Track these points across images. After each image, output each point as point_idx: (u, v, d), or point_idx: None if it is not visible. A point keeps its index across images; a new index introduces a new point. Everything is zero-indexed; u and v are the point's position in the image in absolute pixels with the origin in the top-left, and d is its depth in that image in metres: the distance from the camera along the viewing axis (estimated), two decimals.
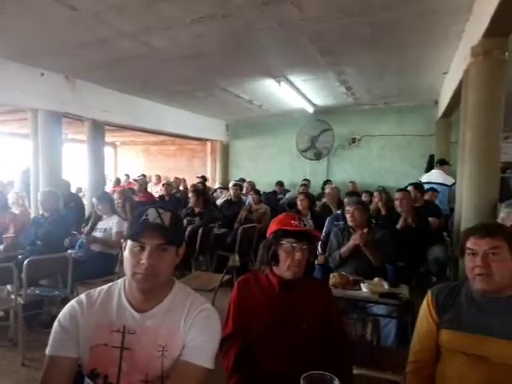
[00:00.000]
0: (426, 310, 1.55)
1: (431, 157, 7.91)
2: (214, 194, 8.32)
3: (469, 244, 1.44)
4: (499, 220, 2.85)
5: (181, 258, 1.34)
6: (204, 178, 9.61)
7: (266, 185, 8.20)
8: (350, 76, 6.24)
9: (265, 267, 1.74)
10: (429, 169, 7.90)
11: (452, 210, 5.89)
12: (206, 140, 10.88)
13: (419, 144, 8.29)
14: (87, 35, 4.25)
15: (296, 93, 7.05)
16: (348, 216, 3.06)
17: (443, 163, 6.10)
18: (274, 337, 1.62)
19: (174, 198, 7.55)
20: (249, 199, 6.55)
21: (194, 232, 4.78)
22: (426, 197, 5.02)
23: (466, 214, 3.29)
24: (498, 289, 1.39)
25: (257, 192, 5.91)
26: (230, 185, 7.26)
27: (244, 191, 7.10)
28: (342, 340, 1.72)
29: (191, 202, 5.28)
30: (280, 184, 8.59)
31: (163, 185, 8.07)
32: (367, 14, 3.90)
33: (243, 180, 8.58)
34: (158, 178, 10.86)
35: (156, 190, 9.32)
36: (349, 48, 4.92)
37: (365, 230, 2.96)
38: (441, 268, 3.69)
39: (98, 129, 6.60)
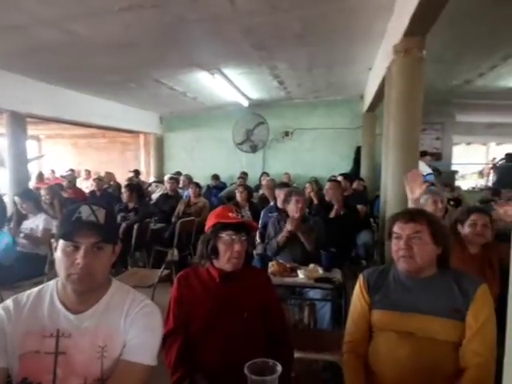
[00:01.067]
0: (358, 292, 1.66)
1: (358, 148, 8.40)
2: (149, 188, 8.09)
3: (395, 228, 1.57)
4: (419, 206, 3.12)
5: (117, 255, 1.31)
6: (137, 172, 9.29)
7: (203, 178, 8.14)
8: (282, 71, 6.38)
9: (205, 261, 1.74)
10: (356, 160, 8.39)
11: (376, 196, 6.34)
12: (139, 132, 10.51)
13: (347, 136, 8.74)
14: (1, 20, 3.89)
15: (231, 86, 7.06)
16: (296, 206, 3.14)
17: (424, 154, 6.49)
18: (216, 329, 1.64)
19: (105, 193, 7.22)
20: (186, 192, 6.47)
21: (129, 228, 4.63)
22: (354, 185, 5.32)
23: (390, 200, 3.55)
24: (419, 269, 1.53)
25: (197, 185, 5.85)
26: (166, 178, 7.10)
27: (181, 185, 6.99)
28: (282, 326, 1.78)
29: (125, 198, 5.09)
30: (215, 177, 8.58)
31: (94, 180, 7.67)
32: (297, 9, 4.00)
33: (179, 173, 8.43)
34: (88, 172, 10.28)
35: (86, 186, 8.83)
36: (280, 43, 5.02)
37: (295, 217, 3.08)
38: (369, 252, 3.96)
39: (19, 121, 6.07)
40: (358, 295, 1.66)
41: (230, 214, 1.71)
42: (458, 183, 7.97)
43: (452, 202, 3.27)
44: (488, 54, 5.42)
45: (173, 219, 5.44)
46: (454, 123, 9.07)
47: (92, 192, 7.14)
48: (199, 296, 1.69)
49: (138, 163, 10.99)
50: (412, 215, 1.55)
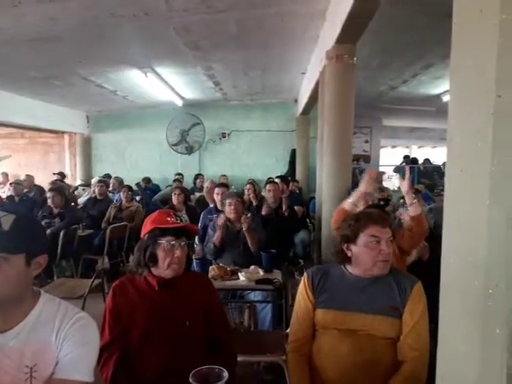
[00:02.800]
0: (302, 291, 1.67)
1: (294, 151, 8.62)
2: (76, 192, 7.59)
3: (373, 232, 1.55)
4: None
5: (42, 267, 1.16)
6: (62, 175, 8.67)
7: (135, 180, 7.81)
8: (217, 71, 6.34)
9: (142, 269, 1.65)
10: (292, 162, 8.60)
11: (311, 198, 6.54)
12: (63, 132, 9.83)
13: (283, 139, 8.93)
14: None
15: (164, 85, 6.87)
16: (230, 208, 3.12)
17: (356, 158, 6.69)
18: (156, 338, 1.56)
19: (26, 198, 6.62)
20: (117, 196, 6.16)
21: (55, 235, 4.28)
22: (291, 187, 5.43)
23: (325, 201, 3.67)
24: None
25: (129, 188, 5.57)
26: (94, 181, 6.71)
27: (111, 188, 6.63)
28: (225, 331, 1.74)
29: (52, 202, 4.69)
30: (147, 180, 8.26)
31: (11, 184, 7.00)
32: (233, 10, 3.99)
33: (109, 176, 8.03)
34: (6, 176, 9.37)
35: (3, 191, 8.04)
36: (216, 44, 4.98)
37: (248, 215, 3.08)
38: (306, 251, 4.06)
39: None
40: (302, 294, 1.66)
41: (169, 219, 1.63)
42: (384, 184, 8.47)
43: (382, 202, 3.44)
44: (411, 63, 5.85)
45: (103, 225, 5.15)
46: (381, 127, 9.69)
47: (9, 197, 6.50)
48: (137, 306, 1.60)
49: (63, 165, 10.27)
50: (386, 220, 1.59)
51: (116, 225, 4.79)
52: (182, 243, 1.60)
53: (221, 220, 3.09)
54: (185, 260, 1.64)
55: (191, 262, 1.92)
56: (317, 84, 4.84)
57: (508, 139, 0.81)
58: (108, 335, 1.56)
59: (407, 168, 2.33)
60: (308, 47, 5.11)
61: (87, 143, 9.86)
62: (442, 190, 3.95)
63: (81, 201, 6.52)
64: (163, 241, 1.59)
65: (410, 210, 2.25)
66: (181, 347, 1.56)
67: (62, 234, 4.32)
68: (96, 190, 5.81)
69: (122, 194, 5.56)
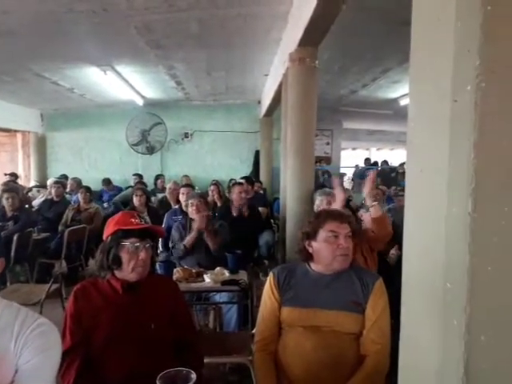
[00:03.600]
0: (268, 290, 1.68)
1: (257, 152, 8.66)
2: (30, 194, 7.23)
3: (330, 227, 1.61)
4: (315, 207, 3.32)
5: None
6: (15, 176, 8.23)
7: (94, 181, 7.54)
8: (179, 71, 6.27)
9: (106, 272, 1.60)
10: (256, 163, 8.65)
11: (275, 199, 6.61)
12: (16, 131, 9.34)
13: (246, 140, 8.95)
14: None
15: (124, 84, 6.70)
16: (192, 209, 3.09)
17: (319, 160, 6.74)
18: (120, 342, 1.52)
19: None
20: (75, 198, 5.93)
21: (8, 239, 4.06)
22: (255, 188, 5.46)
23: (289, 202, 3.71)
24: (348, 266, 1.62)
25: (87, 190, 5.37)
26: (50, 182, 6.43)
27: (68, 189, 6.38)
28: (192, 334, 1.73)
29: (8, 204, 4.45)
30: (107, 182, 7.99)
31: None
32: (195, 10, 3.96)
33: (65, 177, 7.72)
34: None
35: None
36: (178, 43, 4.93)
37: (204, 213, 3.06)
38: (270, 251, 4.09)
39: None
40: (268, 293, 1.68)
41: (133, 220, 1.60)
42: (345, 185, 8.70)
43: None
44: (370, 68, 6.05)
45: (60, 227, 4.95)
46: (341, 130, 9.95)
47: None
48: (100, 309, 1.55)
49: (15, 166, 9.75)
50: (345, 217, 1.65)
51: (74, 227, 4.62)
52: (147, 245, 1.58)
53: (199, 223, 3.04)
54: (149, 262, 1.61)
55: (155, 264, 1.88)
56: (280, 86, 4.90)
57: (464, 140, 0.86)
58: (69, 341, 1.51)
59: (371, 172, 2.42)
60: (271, 49, 5.15)
61: (42, 142, 9.43)
62: (401, 190, 4.11)
63: (36, 203, 6.21)
64: (127, 243, 1.55)
65: (371, 212, 2.34)
66: (146, 350, 1.53)
67: (15, 237, 4.10)
68: (52, 192, 5.57)
69: (79, 195, 5.36)
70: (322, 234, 1.62)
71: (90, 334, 1.53)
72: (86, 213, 5.16)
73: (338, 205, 2.53)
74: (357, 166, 9.85)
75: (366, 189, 2.40)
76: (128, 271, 1.56)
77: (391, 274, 2.01)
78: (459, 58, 0.88)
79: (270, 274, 1.72)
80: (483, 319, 0.87)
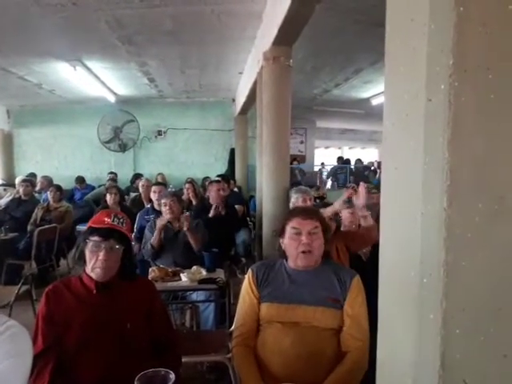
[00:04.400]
0: (247, 286, 1.68)
1: (232, 150, 8.64)
2: None
3: (293, 224, 1.62)
4: (291, 204, 3.34)
5: None
6: None
7: (64, 180, 7.32)
8: (152, 68, 6.18)
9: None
10: (231, 162, 8.63)
11: (251, 197, 6.62)
12: None
13: (221, 138, 8.90)
14: None
15: (95, 80, 6.54)
16: (165, 209, 3.04)
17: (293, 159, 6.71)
18: (95, 343, 1.49)
19: None
20: (44, 196, 5.74)
21: None
22: (231, 186, 5.45)
23: (265, 200, 3.72)
24: (315, 263, 1.62)
25: (57, 188, 5.20)
26: (18, 181, 6.19)
27: (38, 187, 6.16)
28: (169, 333, 1.71)
29: None
30: (80, 180, 7.75)
31: None
32: (169, 6, 3.91)
33: (33, 175, 7.46)
34: None
35: None
36: (151, 39, 4.85)
37: (187, 213, 3.03)
38: (247, 249, 4.09)
39: None
40: (246, 290, 1.68)
41: (106, 219, 1.56)
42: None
43: (318, 200, 3.59)
44: (343, 68, 6.14)
45: (29, 227, 4.77)
46: (315, 129, 10.06)
47: None
48: (73, 310, 1.52)
49: None
50: (309, 212, 1.65)
51: (44, 227, 4.47)
52: (110, 245, 1.53)
53: (161, 222, 3.01)
54: (114, 265, 1.56)
55: (132, 268, 1.83)
56: (254, 84, 4.89)
57: (438, 138, 0.88)
58: (41, 343, 1.46)
59: (362, 185, 2.50)
60: (245, 47, 5.14)
61: (8, 140, 9.07)
62: (373, 188, 4.19)
63: (2, 202, 5.98)
64: (91, 240, 1.52)
65: (363, 222, 2.41)
66: (122, 351, 1.50)
67: None
68: (20, 190, 5.37)
69: (49, 193, 5.19)
70: (288, 230, 1.64)
71: (63, 335, 1.49)
72: (57, 212, 5.00)
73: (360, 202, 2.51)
74: (322, 163, 10.00)
75: (360, 201, 2.44)
76: (89, 270, 1.54)
77: (365, 270, 2.04)
78: (433, 57, 0.90)
79: (249, 271, 1.72)
80: (458, 313, 0.89)
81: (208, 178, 6.48)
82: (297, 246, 1.59)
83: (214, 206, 3.79)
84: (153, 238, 3.00)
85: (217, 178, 4.65)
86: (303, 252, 1.58)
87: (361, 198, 2.45)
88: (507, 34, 0.87)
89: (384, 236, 1.11)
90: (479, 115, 0.88)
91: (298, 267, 1.63)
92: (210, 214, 3.75)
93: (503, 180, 0.90)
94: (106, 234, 1.53)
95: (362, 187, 2.53)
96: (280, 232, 1.68)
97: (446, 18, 0.87)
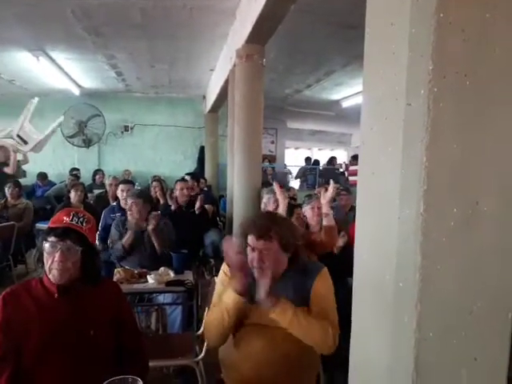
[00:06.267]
0: (225, 279, 1.64)
1: (202, 148, 8.54)
2: None
3: (248, 240, 1.58)
4: (262, 205, 3.33)
5: None
6: None
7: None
8: (120, 61, 6.02)
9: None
10: (200, 159, 8.52)
11: (221, 196, 6.56)
12: None
13: (191, 135, 8.77)
14: None
15: (59, 71, 6.28)
16: (131, 211, 2.91)
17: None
18: (55, 352, 1.41)
19: None
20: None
21: None
22: (200, 185, 5.37)
23: (236, 200, 3.70)
24: (273, 276, 1.55)
25: (16, 184, 4.93)
26: None
27: None
28: (136, 338, 1.64)
29: None
30: (43, 177, 7.40)
31: None
32: None
33: None
34: None
35: None
36: (119, 31, 4.72)
37: (158, 213, 2.95)
38: (216, 250, 4.02)
39: None
40: (224, 282, 1.63)
41: (65, 219, 1.47)
42: (291, 184, 8.86)
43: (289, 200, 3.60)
44: (315, 69, 6.19)
45: None
46: (285, 129, 10.12)
47: None
48: (32, 316, 1.42)
49: None
50: (262, 232, 1.55)
51: (1, 224, 4.24)
52: (64, 247, 1.43)
53: (153, 224, 2.90)
54: (72, 267, 1.45)
55: (99, 269, 1.73)
56: (226, 82, 4.85)
57: (417, 143, 0.88)
58: None
59: (332, 183, 2.58)
60: (217, 44, 5.09)
61: None
62: (343, 190, 4.25)
63: None
64: (47, 241, 1.44)
65: (324, 220, 2.45)
66: (85, 359, 1.43)
67: None
68: None
69: (6, 190, 4.92)
70: (244, 242, 1.60)
71: (21, 342, 1.39)
72: (15, 209, 4.76)
73: (282, 209, 2.56)
74: (285, 164, 10.09)
75: (326, 199, 2.47)
76: (47, 272, 1.45)
77: (334, 263, 2.04)
78: (413, 62, 0.91)
79: (224, 265, 1.68)
80: (432, 316, 0.90)
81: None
82: (251, 261, 1.54)
83: (178, 203, 3.74)
84: (125, 239, 2.87)
85: (185, 177, 4.58)
86: (255, 268, 1.52)
87: (328, 194, 2.49)
88: (485, 42, 0.89)
89: (360, 239, 1.10)
90: (457, 121, 0.89)
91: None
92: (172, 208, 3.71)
93: (478, 185, 0.91)
94: (63, 234, 1.44)
95: (332, 185, 2.59)
96: (243, 242, 1.60)
97: (426, 24, 0.88)
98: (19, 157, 6.20)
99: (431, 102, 0.87)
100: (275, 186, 2.72)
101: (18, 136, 5.48)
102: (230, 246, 1.52)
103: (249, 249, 1.58)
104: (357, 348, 1.11)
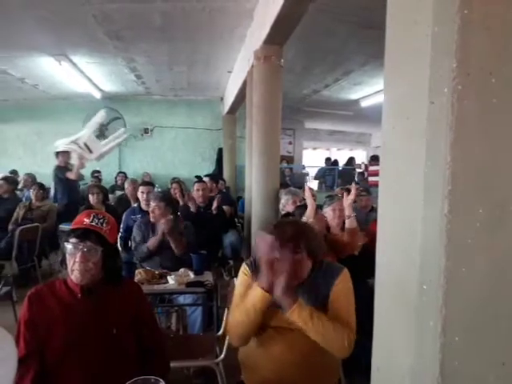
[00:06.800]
0: (245, 280, 1.62)
1: (220, 150, 8.58)
2: None
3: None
4: (280, 205, 3.33)
5: None
6: None
7: (47, 177, 7.14)
8: (139, 64, 6.10)
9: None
10: (218, 161, 8.57)
11: (239, 197, 6.57)
12: None
13: (209, 137, 8.83)
14: None
15: (80, 76, 6.41)
16: (155, 213, 2.96)
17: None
18: (79, 350, 1.43)
19: None
20: (26, 194, 5.60)
21: None
22: (219, 186, 5.40)
23: (255, 201, 3.69)
24: (296, 284, 1.54)
25: (40, 186, 5.07)
26: None
27: (21, 185, 6.01)
28: (157, 338, 1.66)
29: None
30: None
31: None
32: (158, 1, 3.87)
33: (15, 172, 7.28)
34: None
35: None
36: (139, 35, 4.78)
37: (169, 217, 2.95)
38: (235, 251, 4.04)
39: None
40: (244, 282, 1.61)
41: (86, 220, 1.50)
42: (309, 185, 8.82)
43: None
44: (333, 69, 6.14)
45: (10, 226, 4.64)
46: (303, 129, 10.07)
47: None
48: (57, 316, 1.46)
49: None
50: (292, 243, 1.47)
51: (26, 226, 4.35)
52: (85, 247, 1.46)
53: (165, 228, 2.91)
54: (93, 268, 1.48)
55: (120, 270, 1.76)
56: (244, 83, 4.86)
57: (440, 142, 0.86)
58: (23, 349, 1.41)
59: (354, 185, 2.59)
60: (235, 46, 5.11)
61: None
62: (362, 190, 4.20)
63: None
64: (69, 242, 1.47)
65: (347, 222, 2.45)
66: (108, 358, 1.45)
67: None
68: (1, 189, 5.22)
69: (31, 192, 5.06)
70: None
71: (46, 341, 1.43)
72: (39, 211, 4.88)
73: (310, 212, 2.54)
74: (303, 165, 10.01)
75: (348, 201, 2.47)
76: (69, 273, 1.48)
77: (356, 264, 2.02)
78: (436, 60, 0.89)
79: (244, 266, 1.66)
80: (458, 320, 0.88)
81: (200, 177, 6.37)
82: (275, 270, 1.46)
83: (191, 202, 3.77)
84: (152, 241, 2.90)
85: (200, 178, 4.60)
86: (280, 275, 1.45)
87: (351, 196, 2.49)
88: (510, 38, 0.86)
89: (381, 240, 1.08)
90: (482, 119, 0.86)
91: None
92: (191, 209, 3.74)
93: (506, 185, 0.88)
94: (83, 235, 1.46)
95: (354, 187, 2.58)
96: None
97: (450, 21, 0.86)
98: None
99: (455, 99, 0.85)
100: (306, 189, 2.72)
101: (85, 144, 5.72)
102: (263, 240, 1.48)
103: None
104: (379, 351, 1.09)
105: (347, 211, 2.50)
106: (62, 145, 5.75)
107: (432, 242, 0.89)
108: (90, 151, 5.69)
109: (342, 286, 1.56)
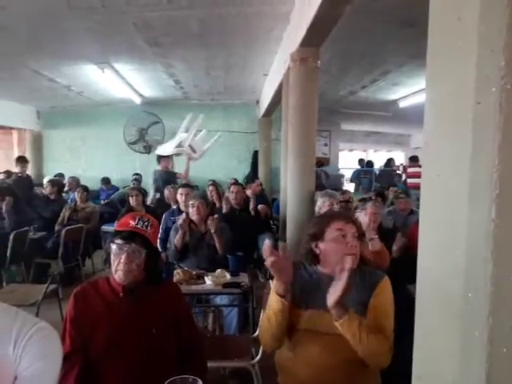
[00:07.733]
0: None
1: (256, 152, 8.62)
2: None
3: (337, 226, 1.56)
4: (316, 208, 3.29)
5: None
6: (9, 174, 8.14)
7: (91, 180, 7.47)
8: (178, 70, 6.23)
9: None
10: (254, 164, 8.61)
11: (274, 199, 6.57)
12: (11, 128, 9.23)
13: (244, 140, 8.89)
14: None
15: (122, 82, 6.65)
16: (193, 210, 3.05)
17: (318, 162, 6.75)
18: (121, 348, 1.48)
19: None
20: (72, 196, 5.88)
21: (3, 238, 4.00)
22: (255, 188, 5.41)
23: (290, 203, 3.68)
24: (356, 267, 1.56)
25: (84, 189, 5.32)
26: (45, 181, 6.35)
27: (66, 188, 6.31)
28: (195, 338, 1.69)
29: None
30: (106, 181, 7.89)
31: None
32: (196, 8, 3.93)
33: (61, 175, 7.65)
34: None
35: None
36: (177, 41, 4.88)
37: (215, 216, 3.04)
38: None
39: None
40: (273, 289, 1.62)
41: (131, 222, 1.55)
42: (346, 186, 8.68)
43: (343, 204, 3.52)
44: (370, 70, 6.02)
45: (56, 227, 4.88)
46: (339, 131, 9.94)
47: None
48: (100, 313, 1.52)
49: (10, 163, 9.63)
50: (350, 217, 1.62)
51: (71, 227, 4.56)
52: (130, 249, 1.51)
53: (181, 220, 3.01)
54: (136, 269, 1.53)
55: (158, 272, 1.81)
56: (280, 86, 4.86)
57: (487, 144, 0.83)
58: (69, 346, 1.47)
59: (370, 210, 2.54)
60: (271, 49, 5.12)
61: (38, 140, 9.33)
62: (401, 193, 4.09)
63: None
64: (114, 243, 1.53)
65: (371, 245, 2.39)
66: (148, 356, 1.49)
67: (11, 236, 4.04)
68: (48, 190, 5.52)
69: (76, 194, 5.31)
70: (330, 233, 1.57)
71: (90, 338, 1.49)
72: (83, 212, 5.11)
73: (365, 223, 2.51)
74: (338, 168, 9.85)
75: (365, 222, 2.44)
76: (113, 273, 1.54)
77: (394, 267, 1.97)
78: (482, 58, 0.85)
79: None
80: (506, 330, 0.84)
81: (236, 180, 6.41)
82: (343, 248, 1.51)
83: (225, 203, 3.82)
84: (176, 238, 3.00)
85: (236, 180, 4.61)
86: (350, 254, 1.46)
87: (366, 219, 2.44)
88: None
89: (423, 246, 1.05)
90: None
91: (334, 273, 1.53)
92: (224, 211, 3.78)
93: None
94: (129, 237, 1.52)
95: (370, 210, 2.54)
96: (316, 236, 1.60)
97: (497, 17, 0.82)
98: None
99: (503, 99, 0.81)
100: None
101: (190, 146, 6.10)
102: (267, 249, 1.57)
103: (339, 237, 1.55)
104: (421, 360, 1.06)
105: (368, 234, 2.38)
106: (169, 149, 6.07)
107: (478, 248, 0.85)
108: (194, 151, 6.03)
109: (383, 296, 1.53)
